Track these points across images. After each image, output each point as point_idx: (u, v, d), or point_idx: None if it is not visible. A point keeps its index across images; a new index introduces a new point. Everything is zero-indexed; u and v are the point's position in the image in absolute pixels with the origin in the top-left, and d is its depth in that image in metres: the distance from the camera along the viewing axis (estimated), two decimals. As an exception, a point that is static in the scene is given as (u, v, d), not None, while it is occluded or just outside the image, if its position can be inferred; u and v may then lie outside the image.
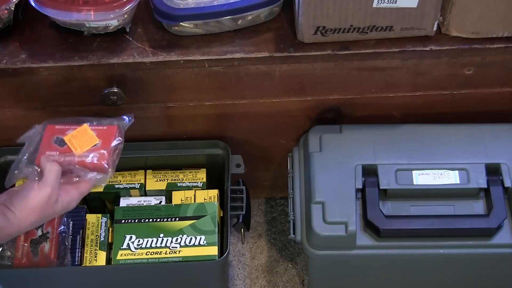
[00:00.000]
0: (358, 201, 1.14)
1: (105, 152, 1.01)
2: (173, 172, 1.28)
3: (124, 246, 1.17)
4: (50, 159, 0.98)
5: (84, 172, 1.00)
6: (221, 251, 1.18)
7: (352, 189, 1.14)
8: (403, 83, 1.18)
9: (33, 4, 1.07)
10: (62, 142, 1.02)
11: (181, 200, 1.25)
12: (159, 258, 1.16)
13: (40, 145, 1.02)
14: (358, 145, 1.19)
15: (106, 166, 1.01)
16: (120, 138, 1.04)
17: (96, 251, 1.19)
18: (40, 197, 0.93)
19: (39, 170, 0.97)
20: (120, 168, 1.13)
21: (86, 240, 1.20)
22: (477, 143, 1.19)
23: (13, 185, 1.03)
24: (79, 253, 1.19)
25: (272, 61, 1.11)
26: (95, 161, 1.00)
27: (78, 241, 1.19)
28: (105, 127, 1.04)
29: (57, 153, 1.01)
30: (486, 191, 1.15)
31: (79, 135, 1.03)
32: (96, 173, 1.01)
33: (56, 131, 1.03)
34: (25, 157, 1.00)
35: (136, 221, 1.20)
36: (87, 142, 1.02)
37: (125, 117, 1.07)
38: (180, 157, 1.29)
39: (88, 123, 1.04)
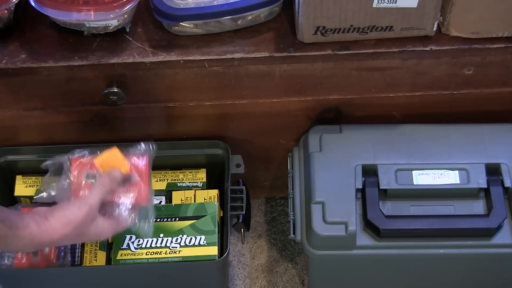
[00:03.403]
0: (358, 201, 1.14)
1: (143, 188, 1.01)
2: (173, 172, 1.28)
3: (124, 246, 1.17)
4: (99, 185, 0.98)
5: (123, 210, 1.00)
6: (221, 251, 1.18)
7: (352, 189, 1.14)
8: (403, 83, 1.18)
9: (33, 4, 1.07)
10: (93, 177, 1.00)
11: (181, 200, 1.25)
12: (159, 258, 1.16)
13: (72, 184, 1.00)
14: (358, 145, 1.19)
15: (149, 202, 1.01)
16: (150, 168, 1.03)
17: (96, 251, 1.19)
18: (77, 213, 0.93)
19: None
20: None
21: (86, 240, 1.20)
22: (477, 143, 1.18)
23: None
24: (79, 253, 1.19)
25: (272, 61, 1.11)
26: (137, 199, 1.00)
27: (78, 241, 1.20)
28: (136, 157, 1.02)
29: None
30: (486, 191, 1.15)
31: (108, 160, 1.00)
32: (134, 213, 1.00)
33: (83, 165, 1.01)
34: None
35: (136, 221, 1.20)
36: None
37: (146, 145, 1.04)
38: (180, 157, 1.29)
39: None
